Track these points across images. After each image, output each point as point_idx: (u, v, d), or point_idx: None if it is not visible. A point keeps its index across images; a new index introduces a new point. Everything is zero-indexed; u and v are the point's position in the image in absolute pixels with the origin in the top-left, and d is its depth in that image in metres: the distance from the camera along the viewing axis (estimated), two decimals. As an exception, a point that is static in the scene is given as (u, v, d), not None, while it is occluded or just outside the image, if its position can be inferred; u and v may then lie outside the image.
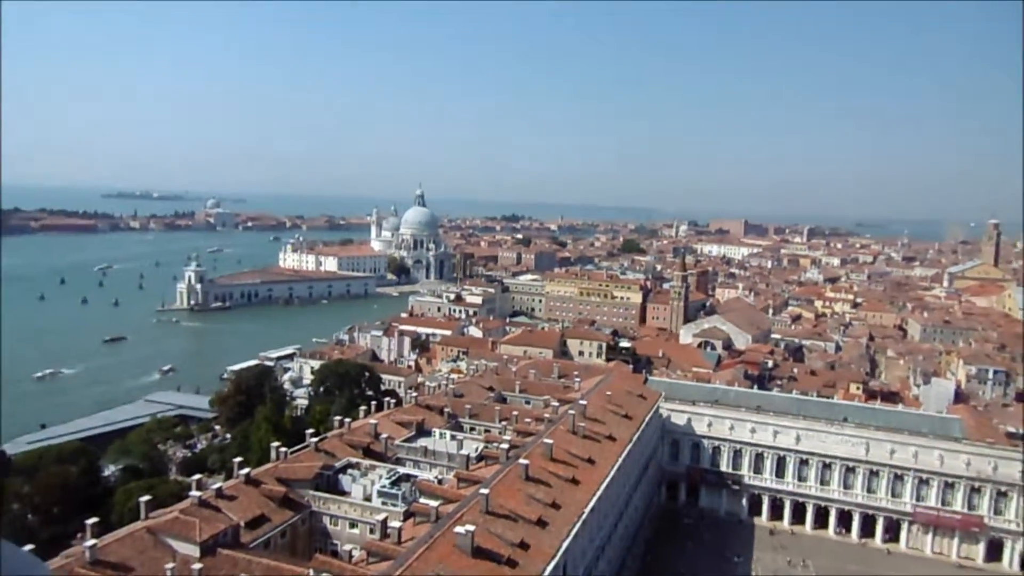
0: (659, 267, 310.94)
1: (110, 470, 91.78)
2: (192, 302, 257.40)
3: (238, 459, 61.98)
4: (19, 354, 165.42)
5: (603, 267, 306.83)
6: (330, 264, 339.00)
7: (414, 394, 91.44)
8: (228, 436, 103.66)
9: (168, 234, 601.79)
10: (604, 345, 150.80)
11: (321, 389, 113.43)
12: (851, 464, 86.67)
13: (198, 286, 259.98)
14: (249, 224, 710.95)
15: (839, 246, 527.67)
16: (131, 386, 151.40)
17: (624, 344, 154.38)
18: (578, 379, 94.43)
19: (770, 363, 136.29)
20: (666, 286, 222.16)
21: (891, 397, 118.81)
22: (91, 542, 43.46)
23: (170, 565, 43.97)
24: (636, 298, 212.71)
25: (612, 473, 62.26)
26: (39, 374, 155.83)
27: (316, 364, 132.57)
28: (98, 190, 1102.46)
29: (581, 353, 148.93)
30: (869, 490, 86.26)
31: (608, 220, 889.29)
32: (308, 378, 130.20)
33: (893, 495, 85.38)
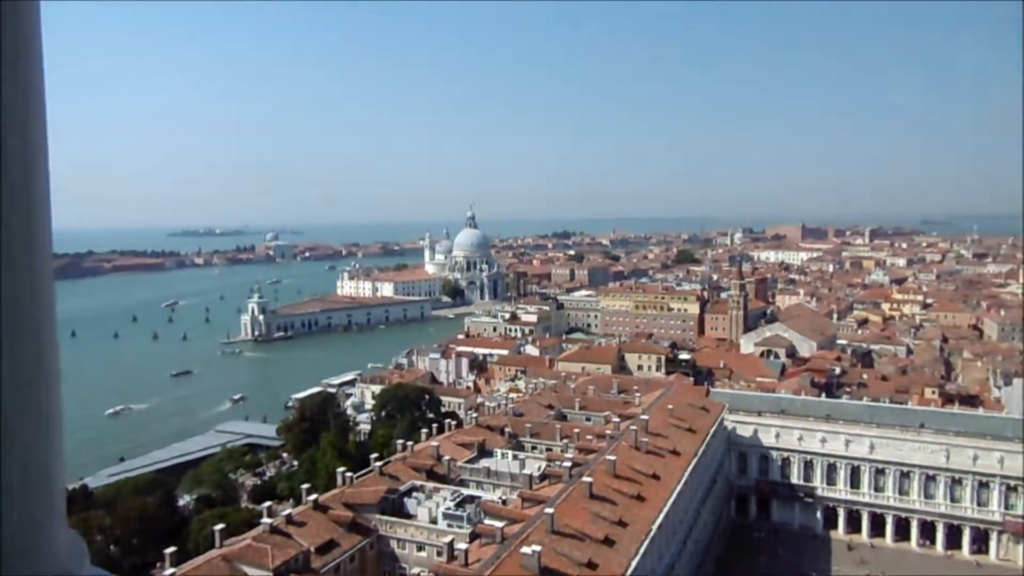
0: (715, 276, 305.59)
1: (185, 500, 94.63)
2: (256, 333, 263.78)
3: (306, 485, 63.21)
4: (94, 391, 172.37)
5: (658, 279, 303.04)
6: (386, 289, 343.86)
7: (474, 415, 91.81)
8: (295, 463, 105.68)
9: (231, 268, 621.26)
10: (663, 358, 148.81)
11: (383, 413, 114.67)
12: (931, 472, 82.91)
13: (261, 317, 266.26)
14: (307, 254, 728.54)
15: (904, 246, 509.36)
16: (203, 417, 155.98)
17: (683, 356, 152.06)
18: (638, 394, 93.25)
19: (837, 370, 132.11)
20: (724, 295, 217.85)
21: (970, 401, 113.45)
22: (170, 571, 44.84)
23: (245, 591, 44.92)
24: (693, 309, 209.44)
25: (678, 488, 61.06)
26: (110, 410, 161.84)
27: (377, 389, 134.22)
28: (164, 230, 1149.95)
29: (640, 367, 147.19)
30: (952, 499, 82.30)
31: (660, 231, 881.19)
32: (370, 403, 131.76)
33: (979, 504, 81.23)
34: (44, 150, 2.23)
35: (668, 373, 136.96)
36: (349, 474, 64.20)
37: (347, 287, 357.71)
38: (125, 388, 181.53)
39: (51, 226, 2.25)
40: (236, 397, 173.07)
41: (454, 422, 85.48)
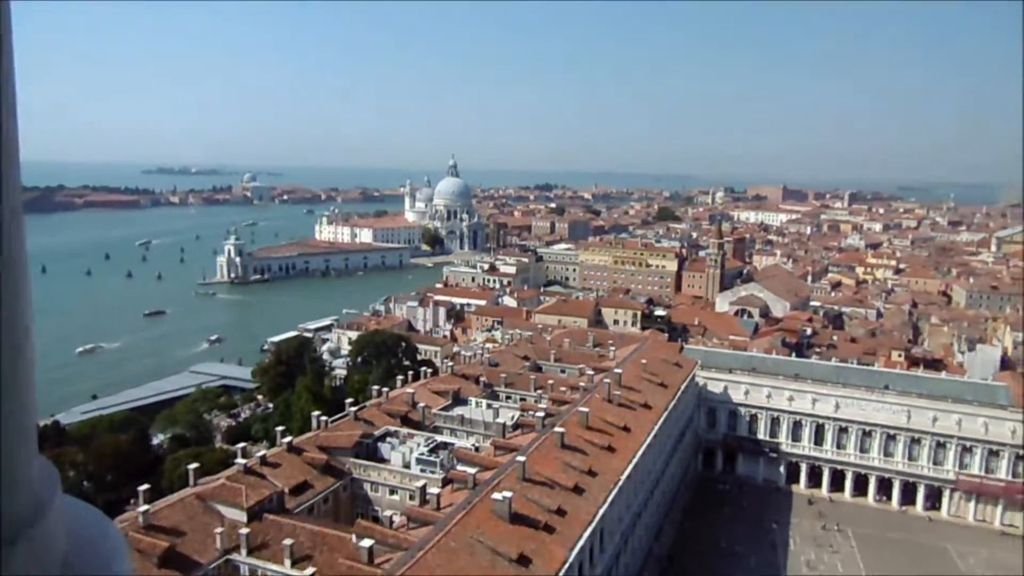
0: (695, 235, 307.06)
1: (159, 438, 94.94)
2: (232, 275, 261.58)
3: (280, 428, 63.69)
4: (65, 328, 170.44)
5: (638, 235, 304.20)
6: (365, 236, 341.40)
7: (450, 363, 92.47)
8: (270, 406, 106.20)
9: (207, 208, 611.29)
10: (639, 314, 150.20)
11: (359, 359, 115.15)
12: (892, 432, 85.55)
13: (237, 259, 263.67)
14: (285, 197, 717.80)
15: (881, 211, 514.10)
16: (178, 357, 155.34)
17: (659, 313, 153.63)
18: (613, 348, 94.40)
19: (809, 331, 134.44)
20: (702, 254, 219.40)
21: (935, 365, 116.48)
22: (144, 507, 45.25)
23: (219, 529, 45.62)
24: (671, 266, 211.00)
25: (648, 440, 62.44)
26: (81, 348, 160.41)
27: (354, 335, 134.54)
28: (139, 166, 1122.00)
29: (616, 322, 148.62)
30: (910, 458, 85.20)
31: (643, 187, 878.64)
32: (346, 349, 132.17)
33: (935, 463, 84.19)
34: (10, 75, 2.13)
35: (644, 329, 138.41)
36: (324, 418, 64.74)
37: (326, 232, 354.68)
38: (97, 326, 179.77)
39: (19, 156, 2.18)
40: (212, 338, 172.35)
41: (430, 370, 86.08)
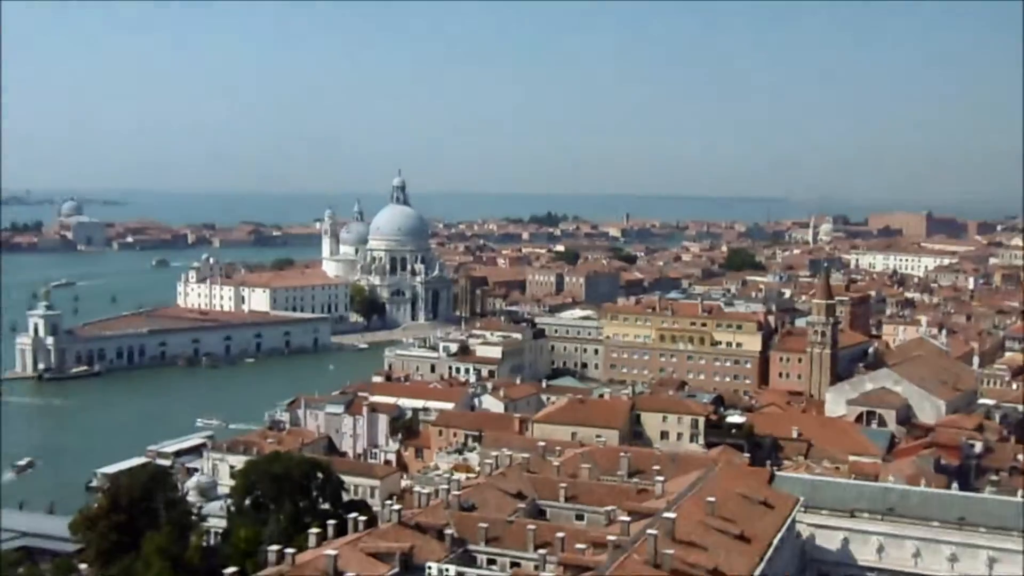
0: (787, 292, 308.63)
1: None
2: (40, 366, 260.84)
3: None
4: None
5: (696, 295, 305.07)
6: (259, 301, 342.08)
7: (396, 507, 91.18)
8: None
9: (3, 257, 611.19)
10: (701, 422, 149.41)
11: (247, 502, 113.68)
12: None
13: (49, 340, 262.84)
14: (129, 239, 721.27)
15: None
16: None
17: (734, 419, 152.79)
18: (660, 479, 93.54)
19: (978, 446, 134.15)
20: (800, 323, 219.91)
21: None
22: None
23: None
24: (752, 344, 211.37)
25: (722, 632, 61.49)
26: None
27: (239, 462, 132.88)
28: None
29: (665, 436, 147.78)
30: None
31: (702, 218, 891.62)
32: (226, 484, 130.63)
33: None
34: None
35: (709, 446, 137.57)
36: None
37: (194, 295, 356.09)
38: None
39: None
40: (21, 463, 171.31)
41: (363, 518, 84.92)
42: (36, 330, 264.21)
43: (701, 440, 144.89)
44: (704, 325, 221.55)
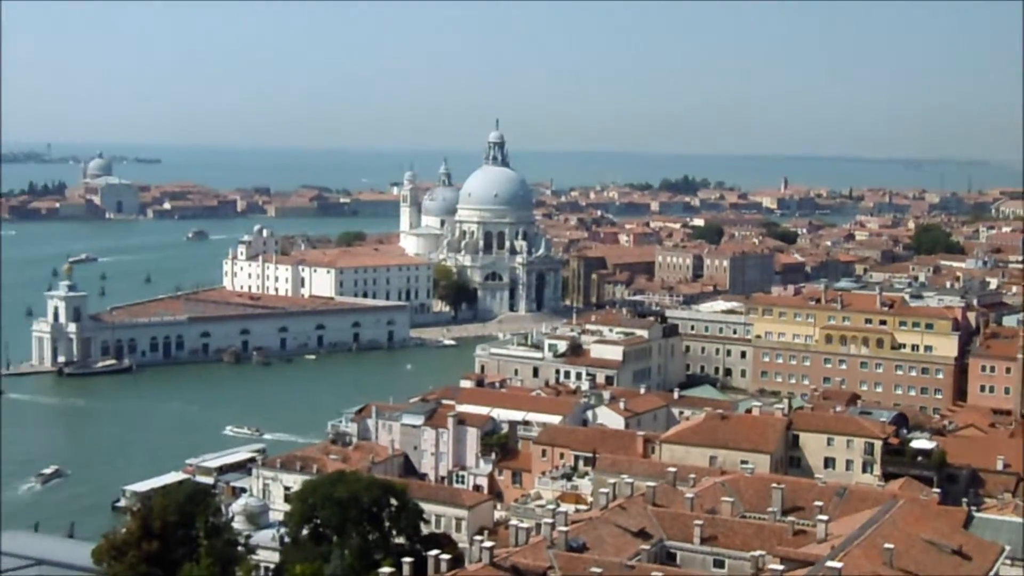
0: (993, 282, 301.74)
1: None
2: (60, 359, 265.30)
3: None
4: None
5: (874, 284, 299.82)
6: (321, 283, 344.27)
7: (487, 544, 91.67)
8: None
9: (19, 225, 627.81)
10: (877, 446, 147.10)
11: (305, 532, 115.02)
12: None
13: (72, 327, 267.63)
14: (166, 205, 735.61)
15: None
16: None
17: (920, 444, 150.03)
18: (823, 518, 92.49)
19: None
20: (1010, 321, 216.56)
21: None
22: None
23: None
24: (946, 347, 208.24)
25: None
26: None
27: (295, 482, 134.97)
28: None
29: (829, 463, 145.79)
30: None
31: (881, 186, 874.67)
32: (280, 509, 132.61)
33: None
34: None
35: (888, 477, 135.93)
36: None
37: (243, 275, 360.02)
38: None
39: None
40: (47, 471, 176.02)
41: (447, 556, 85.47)
42: (56, 315, 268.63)
43: (877, 470, 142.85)
44: (883, 323, 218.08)
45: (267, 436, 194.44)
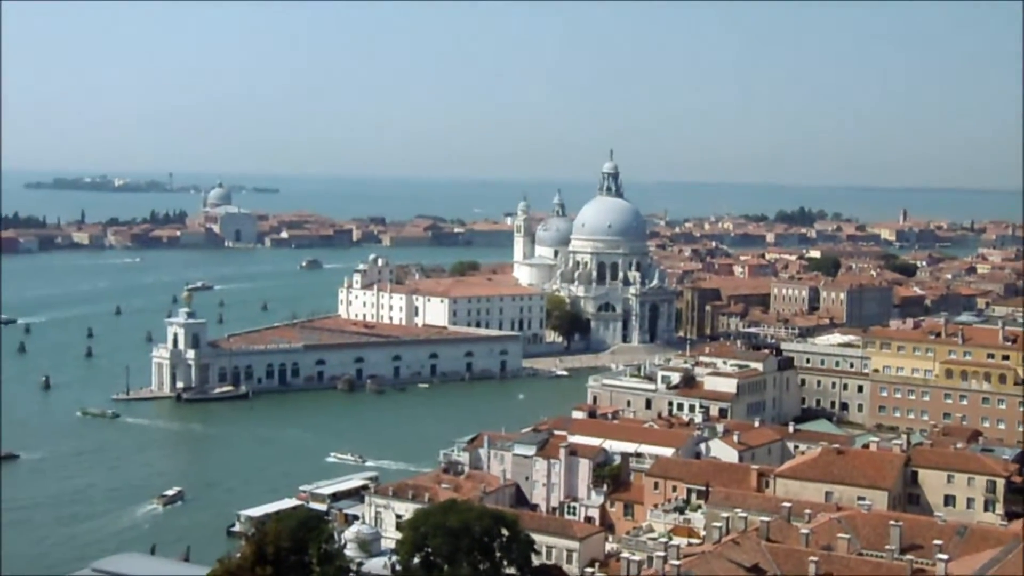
0: None
1: None
2: (179, 384, 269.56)
3: None
4: None
5: (996, 317, 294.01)
6: (435, 312, 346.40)
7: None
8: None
9: (140, 252, 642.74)
10: (1000, 484, 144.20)
11: (416, 560, 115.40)
12: None
13: (190, 354, 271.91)
14: (283, 234, 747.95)
15: None
16: (89, 535, 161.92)
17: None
18: (943, 557, 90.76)
19: None
20: None
21: None
22: None
23: None
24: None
25: None
26: None
27: (407, 510, 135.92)
28: (21, 176, 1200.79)
29: (950, 500, 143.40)
30: None
31: (1005, 219, 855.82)
32: (391, 537, 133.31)
33: None
34: None
35: (1011, 516, 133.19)
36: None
37: (358, 303, 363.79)
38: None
39: None
40: (170, 493, 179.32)
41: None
42: (175, 341, 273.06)
43: (1000, 508, 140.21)
44: (1006, 358, 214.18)
45: (369, 463, 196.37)
